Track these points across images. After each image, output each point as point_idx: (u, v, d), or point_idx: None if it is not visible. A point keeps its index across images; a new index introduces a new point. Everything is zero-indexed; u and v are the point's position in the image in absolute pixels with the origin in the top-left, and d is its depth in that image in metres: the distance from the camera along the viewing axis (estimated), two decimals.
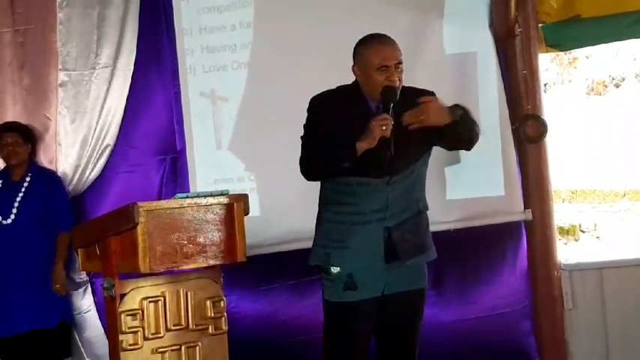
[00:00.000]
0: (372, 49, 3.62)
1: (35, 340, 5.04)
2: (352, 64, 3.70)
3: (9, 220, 5.12)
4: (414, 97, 3.60)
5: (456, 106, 3.60)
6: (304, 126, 3.73)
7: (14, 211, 5.12)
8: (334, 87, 3.76)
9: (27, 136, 5.26)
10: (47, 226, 5.17)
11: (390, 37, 3.66)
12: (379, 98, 3.54)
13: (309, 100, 3.74)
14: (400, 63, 3.61)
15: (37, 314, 5.05)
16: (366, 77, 3.63)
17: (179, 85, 5.46)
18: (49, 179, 5.29)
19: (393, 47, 3.62)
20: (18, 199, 5.14)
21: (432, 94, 3.72)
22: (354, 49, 3.71)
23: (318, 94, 3.74)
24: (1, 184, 5.23)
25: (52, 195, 5.22)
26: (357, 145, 3.44)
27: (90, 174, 5.40)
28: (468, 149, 3.81)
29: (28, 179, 5.21)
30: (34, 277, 5.07)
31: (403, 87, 3.64)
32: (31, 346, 5.05)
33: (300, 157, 3.67)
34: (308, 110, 3.73)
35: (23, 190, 5.17)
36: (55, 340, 5.15)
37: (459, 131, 3.57)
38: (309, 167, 3.66)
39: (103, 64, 5.38)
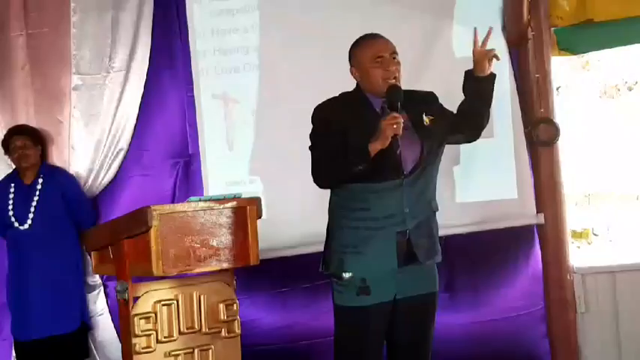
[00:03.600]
0: (365, 44, 3.70)
1: (55, 344, 5.07)
2: (350, 67, 3.76)
3: (26, 226, 5.13)
4: (417, 99, 3.71)
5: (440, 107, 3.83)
6: (311, 136, 3.74)
7: (30, 215, 5.14)
8: (337, 94, 3.80)
9: (36, 139, 5.27)
10: (65, 226, 5.19)
11: (380, 34, 3.73)
12: (385, 98, 3.56)
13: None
14: (395, 54, 3.67)
15: (57, 319, 5.07)
16: (364, 74, 3.67)
17: (192, 88, 5.46)
18: (62, 178, 5.31)
19: (385, 40, 3.70)
20: (33, 203, 5.16)
21: (433, 95, 3.83)
22: (349, 52, 3.77)
23: (322, 103, 3.76)
24: (14, 188, 5.24)
25: (69, 193, 5.25)
26: (370, 147, 3.46)
27: (104, 177, 5.42)
28: (477, 135, 3.89)
29: (40, 181, 5.22)
30: (52, 282, 5.08)
31: (404, 90, 3.67)
32: (51, 350, 5.08)
33: (312, 167, 3.68)
34: (313, 120, 3.74)
35: (37, 193, 5.18)
36: (74, 343, 5.18)
37: (483, 96, 3.73)
38: (322, 175, 3.67)
39: (117, 67, 5.40)
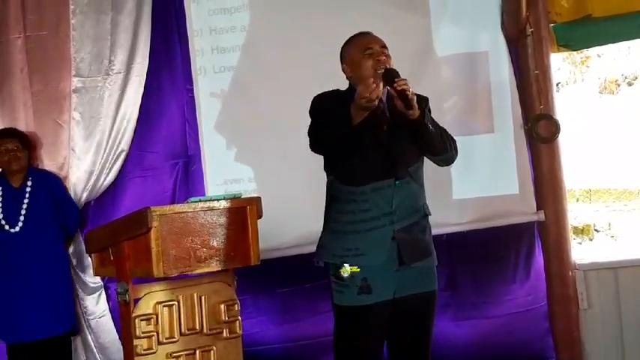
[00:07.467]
0: (354, 41, 3.75)
1: (44, 347, 5.06)
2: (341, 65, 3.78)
3: (17, 228, 5.12)
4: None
5: (428, 111, 3.65)
6: (310, 125, 3.75)
7: (21, 218, 5.13)
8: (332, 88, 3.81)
9: (25, 142, 5.26)
10: (54, 230, 5.20)
11: (370, 31, 3.76)
12: (383, 82, 3.48)
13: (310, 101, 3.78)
14: (385, 47, 3.68)
15: (46, 323, 5.05)
16: (355, 67, 3.69)
17: (192, 88, 5.47)
18: (50, 181, 5.29)
19: (375, 36, 3.74)
20: (24, 206, 5.15)
21: (425, 100, 3.76)
22: (340, 51, 3.80)
23: (319, 94, 3.78)
24: (2, 191, 5.21)
25: (57, 195, 5.25)
26: (352, 105, 3.40)
27: (105, 179, 5.41)
28: (439, 163, 3.82)
29: (29, 184, 5.21)
30: (43, 284, 5.07)
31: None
32: (40, 352, 5.06)
33: (309, 137, 3.68)
34: (311, 108, 3.76)
35: (27, 196, 5.18)
36: (63, 347, 5.18)
37: (426, 135, 3.56)
38: (316, 141, 3.66)
39: (117, 69, 5.39)
